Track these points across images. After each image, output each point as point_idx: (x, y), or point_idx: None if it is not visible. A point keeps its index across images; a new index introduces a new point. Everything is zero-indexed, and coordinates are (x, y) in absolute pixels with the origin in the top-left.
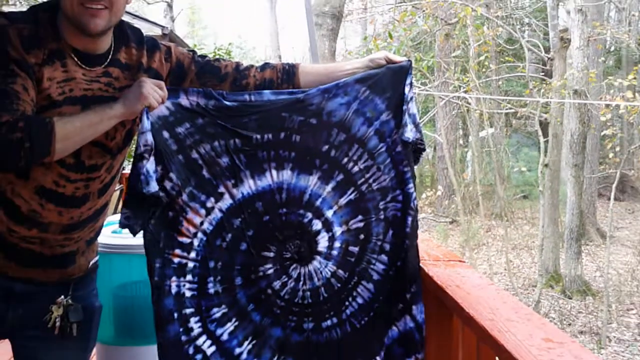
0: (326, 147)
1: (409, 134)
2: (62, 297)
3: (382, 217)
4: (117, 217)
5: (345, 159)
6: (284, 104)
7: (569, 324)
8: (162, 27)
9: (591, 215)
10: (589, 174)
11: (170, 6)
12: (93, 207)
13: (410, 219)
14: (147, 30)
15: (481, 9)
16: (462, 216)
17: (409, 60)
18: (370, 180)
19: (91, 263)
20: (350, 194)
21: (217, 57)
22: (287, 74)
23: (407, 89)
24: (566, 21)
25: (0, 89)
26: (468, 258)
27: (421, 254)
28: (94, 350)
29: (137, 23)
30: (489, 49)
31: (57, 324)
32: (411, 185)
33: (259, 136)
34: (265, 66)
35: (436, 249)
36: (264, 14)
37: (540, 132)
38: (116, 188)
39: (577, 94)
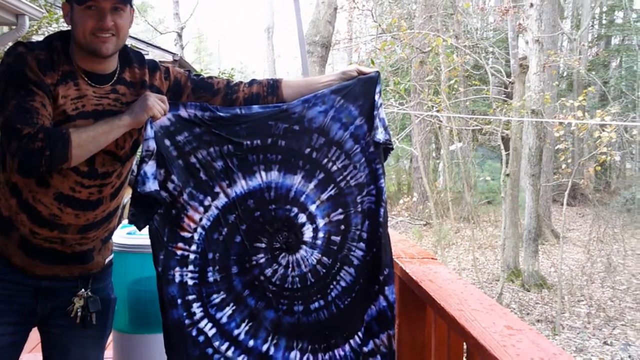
0: (308, 149)
1: (380, 135)
2: (83, 290)
3: (359, 209)
4: None
5: (325, 160)
6: (270, 114)
7: (528, 314)
8: (173, 54)
9: (547, 218)
10: (545, 183)
11: (180, 36)
12: (106, 209)
13: (382, 210)
14: (160, 57)
15: (451, 39)
16: (434, 219)
17: (377, 72)
18: (348, 178)
19: (107, 260)
20: (331, 190)
21: (210, 75)
22: (272, 87)
23: (377, 96)
24: (525, 50)
25: (21, 106)
26: (440, 256)
27: (398, 253)
28: (111, 337)
29: (151, 50)
30: (457, 74)
31: (79, 313)
32: (382, 180)
33: (248, 142)
34: (252, 82)
35: (412, 248)
36: (262, 43)
37: (502, 146)
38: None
39: (534, 113)
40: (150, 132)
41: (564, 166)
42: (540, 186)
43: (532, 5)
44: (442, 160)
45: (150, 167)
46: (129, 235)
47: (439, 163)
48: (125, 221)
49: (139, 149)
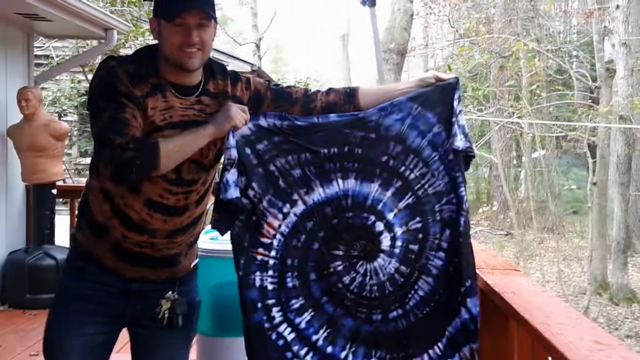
0: (385, 157)
1: (459, 142)
2: (170, 292)
3: (438, 218)
4: None
5: (403, 168)
6: (346, 122)
7: (616, 329)
8: (251, 64)
9: (637, 229)
10: (635, 192)
11: (258, 46)
12: (192, 215)
13: (463, 219)
14: (239, 67)
15: (532, 43)
16: (516, 229)
17: (455, 78)
18: (426, 186)
19: (193, 264)
20: (408, 199)
21: (289, 85)
22: (349, 96)
23: (455, 102)
24: (611, 53)
25: (113, 117)
26: (522, 267)
27: (479, 263)
28: (194, 340)
29: (231, 61)
30: (540, 78)
31: (166, 315)
32: (463, 188)
33: (326, 150)
34: (329, 91)
35: (493, 259)
36: (337, 51)
37: (588, 154)
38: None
39: (622, 119)
40: (232, 141)
41: None
42: (629, 195)
43: (618, 7)
44: (524, 168)
45: (232, 175)
46: (211, 241)
47: (520, 171)
48: (208, 227)
49: (222, 158)
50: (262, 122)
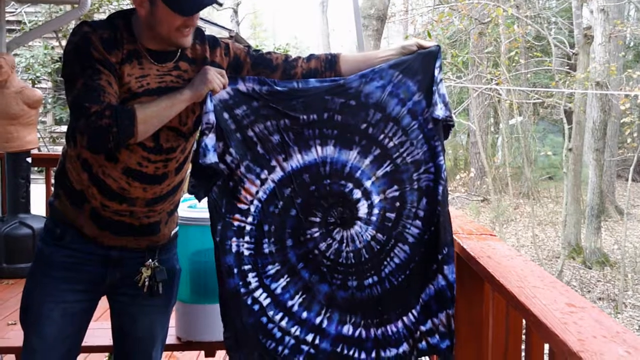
0: (364, 125)
1: (439, 112)
2: (150, 260)
3: (415, 187)
4: None
5: (382, 136)
6: (326, 89)
7: (589, 291)
8: (229, 30)
9: (610, 194)
10: (609, 157)
11: (235, 12)
12: (171, 183)
13: (441, 188)
14: (216, 33)
15: (512, 9)
16: (492, 195)
17: (437, 46)
18: (405, 154)
19: (173, 232)
20: (387, 167)
21: (269, 51)
22: (330, 63)
23: (436, 71)
24: (589, 20)
25: (88, 85)
26: (498, 232)
27: (455, 229)
28: (174, 307)
29: (208, 27)
30: (518, 45)
31: (146, 283)
32: (442, 158)
33: (305, 116)
34: (310, 57)
35: (469, 224)
36: (316, 18)
37: (565, 120)
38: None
39: (599, 86)
40: (210, 105)
41: (629, 140)
42: (604, 161)
43: None
44: (501, 134)
45: (210, 140)
46: (190, 209)
47: (498, 138)
48: (185, 194)
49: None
50: (241, 86)
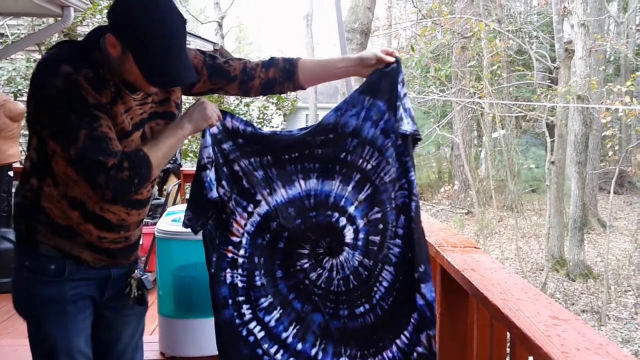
0: (343, 154)
1: (407, 126)
2: (136, 271)
3: (393, 205)
4: (176, 207)
5: (360, 160)
6: (307, 133)
7: (573, 304)
8: (214, 43)
9: (593, 207)
10: (591, 170)
11: (220, 25)
12: (149, 196)
13: (414, 204)
14: (201, 46)
15: (494, 24)
16: (476, 208)
17: (397, 60)
18: (382, 174)
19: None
20: (367, 190)
21: (227, 59)
22: (288, 73)
23: (399, 86)
24: (570, 34)
25: (93, 136)
26: (482, 245)
27: (439, 241)
28: (157, 322)
29: (192, 40)
30: (500, 59)
31: (136, 294)
32: (412, 173)
33: (287, 155)
34: (270, 63)
35: (453, 237)
36: (301, 31)
37: (547, 133)
38: (174, 183)
39: (580, 99)
40: (208, 140)
41: (610, 153)
42: (586, 174)
43: None
44: (485, 147)
45: (212, 174)
46: (173, 223)
47: (481, 151)
48: (170, 208)
49: (199, 156)
50: (228, 122)
